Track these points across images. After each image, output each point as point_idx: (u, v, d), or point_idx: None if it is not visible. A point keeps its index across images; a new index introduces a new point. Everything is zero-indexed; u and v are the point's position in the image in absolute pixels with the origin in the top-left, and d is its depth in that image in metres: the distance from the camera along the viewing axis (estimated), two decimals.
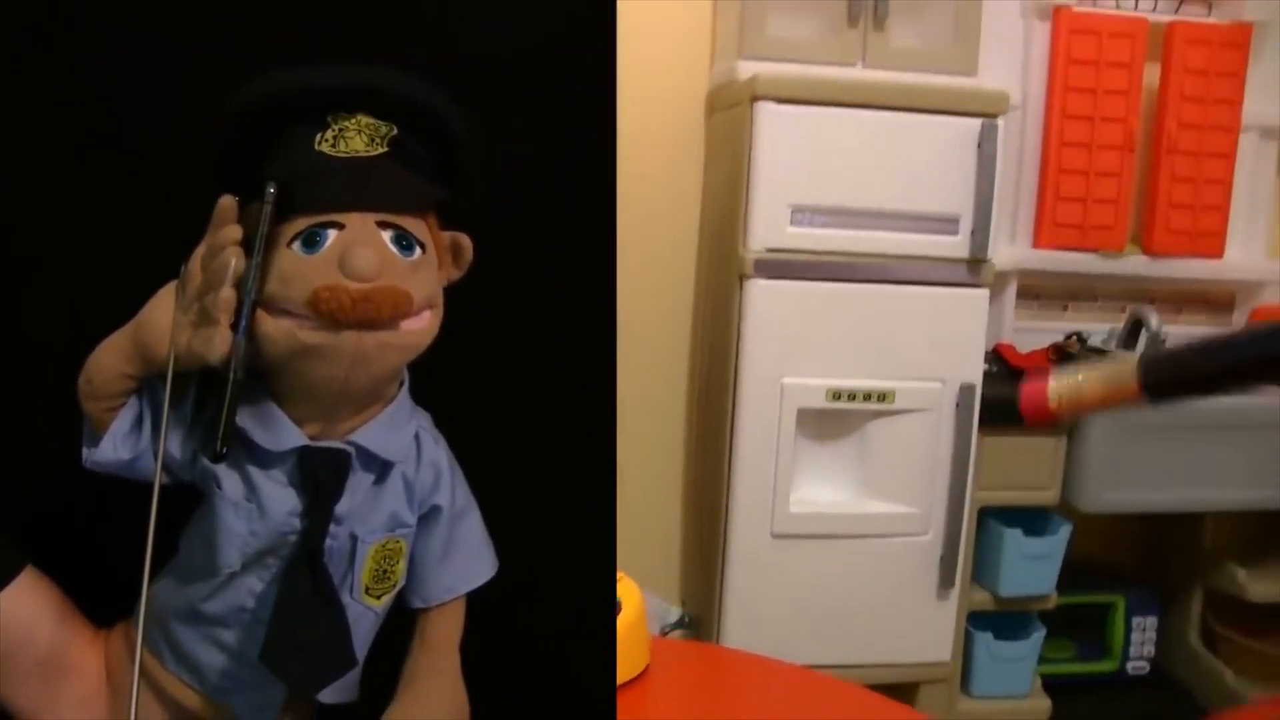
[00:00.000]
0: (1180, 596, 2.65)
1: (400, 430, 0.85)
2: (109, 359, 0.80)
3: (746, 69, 2.14)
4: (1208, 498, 2.33)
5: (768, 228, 2.08)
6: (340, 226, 0.76)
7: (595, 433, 0.93)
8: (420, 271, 0.79)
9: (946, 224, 2.11)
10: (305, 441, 0.80)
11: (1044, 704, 2.43)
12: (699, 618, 2.42)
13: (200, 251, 0.78)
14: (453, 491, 0.88)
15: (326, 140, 0.79)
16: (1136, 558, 2.82)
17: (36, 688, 0.83)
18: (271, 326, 0.75)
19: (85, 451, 0.82)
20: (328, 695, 0.85)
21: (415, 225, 0.80)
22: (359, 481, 0.83)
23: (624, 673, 1.10)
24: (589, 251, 0.89)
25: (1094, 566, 2.68)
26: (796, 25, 2.25)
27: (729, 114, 2.25)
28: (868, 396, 2.14)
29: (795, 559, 2.18)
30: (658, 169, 2.50)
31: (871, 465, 2.20)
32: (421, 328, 0.79)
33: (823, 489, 2.22)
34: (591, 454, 0.93)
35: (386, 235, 0.78)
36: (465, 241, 0.86)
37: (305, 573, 0.81)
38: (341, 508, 0.82)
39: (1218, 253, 2.66)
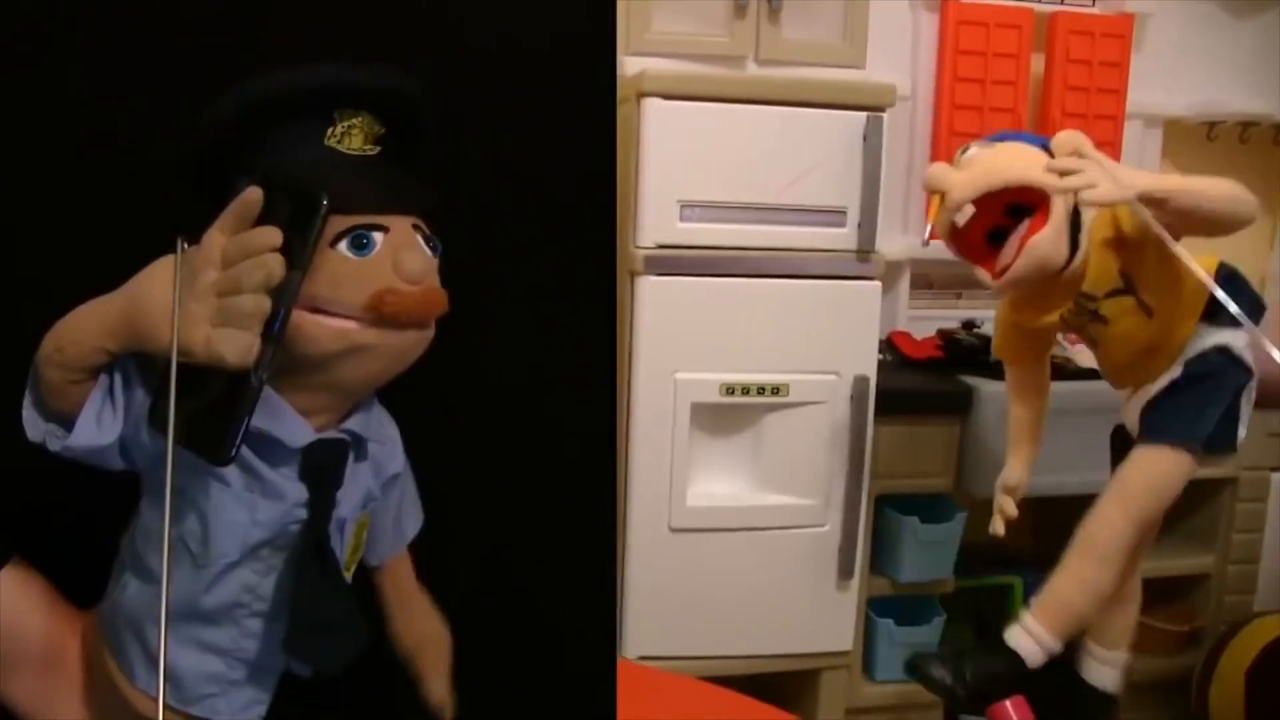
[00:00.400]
0: None
1: (372, 410, 0.88)
2: (88, 329, 0.75)
3: (633, 65, 2.13)
4: (1095, 480, 2.38)
5: (657, 224, 2.07)
6: (384, 229, 0.77)
7: (594, 431, 0.95)
8: (437, 272, 0.82)
9: (835, 216, 2.13)
10: (316, 435, 0.81)
11: None
12: None
13: (217, 240, 0.73)
14: (402, 457, 0.92)
15: (334, 136, 0.80)
16: (1031, 540, 2.86)
17: (34, 680, 0.82)
18: (318, 328, 0.75)
19: (37, 427, 0.78)
20: (311, 671, 0.87)
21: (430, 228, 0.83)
22: (350, 466, 0.85)
23: None
24: (587, 249, 0.92)
25: (990, 550, 2.72)
26: (684, 20, 2.25)
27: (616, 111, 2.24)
28: (761, 390, 2.14)
29: (694, 552, 2.19)
30: None
31: (768, 458, 2.21)
32: (431, 328, 0.82)
33: (720, 482, 2.22)
34: (591, 453, 0.96)
35: (419, 237, 0.80)
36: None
37: (314, 559, 0.82)
38: (341, 494, 0.85)
39: None
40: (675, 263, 2.09)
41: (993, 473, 2.27)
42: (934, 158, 2.57)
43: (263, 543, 0.81)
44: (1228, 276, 1.68)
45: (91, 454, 0.77)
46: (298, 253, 0.72)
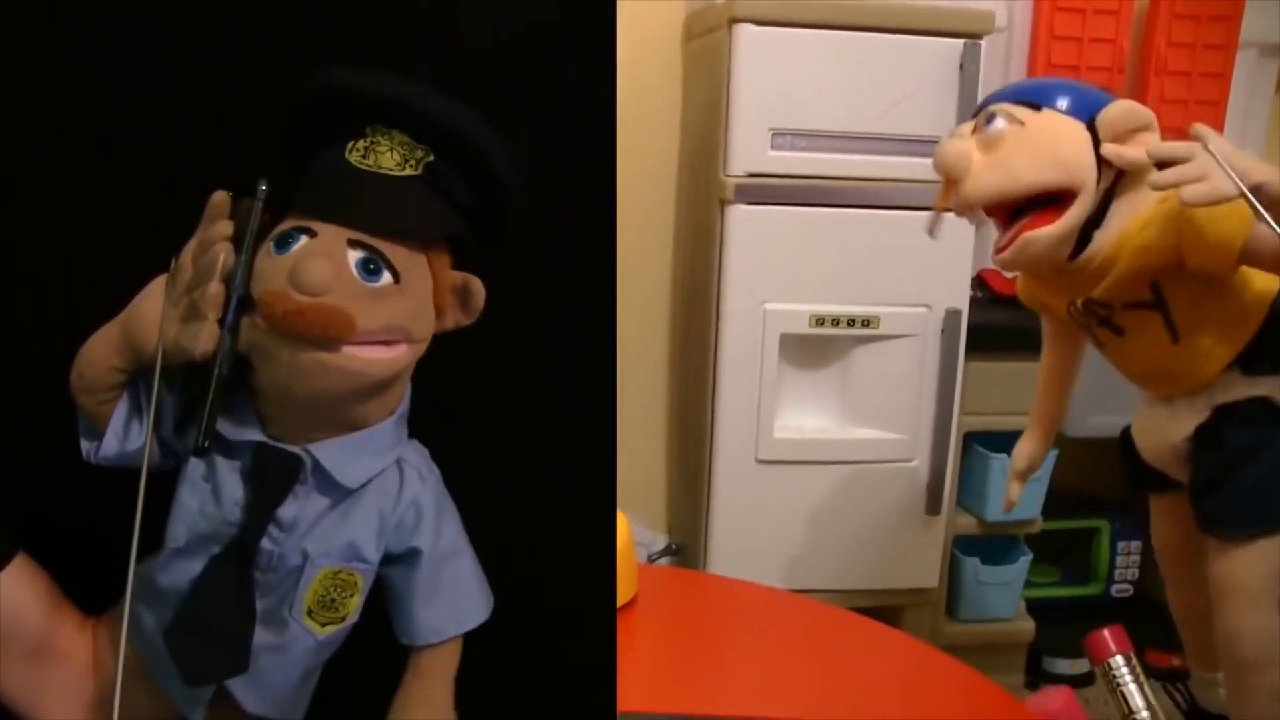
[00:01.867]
0: None
1: (369, 458, 0.81)
2: (99, 352, 0.79)
3: None
4: None
5: (748, 152, 2.06)
6: (313, 234, 0.75)
7: (594, 429, 0.91)
8: (385, 300, 0.75)
9: (929, 146, 2.07)
10: (262, 438, 0.79)
11: (1029, 626, 2.45)
12: (685, 545, 2.44)
13: (191, 245, 0.77)
14: (436, 534, 0.85)
15: (356, 150, 0.78)
16: (1121, 484, 2.82)
17: (26, 674, 0.83)
18: (244, 322, 0.74)
19: (85, 446, 0.81)
20: (259, 705, 0.85)
21: (398, 253, 0.76)
22: (312, 497, 0.80)
23: None
24: (588, 247, 0.87)
25: (1079, 493, 2.69)
26: None
27: (707, 39, 2.22)
28: (851, 322, 2.13)
29: (780, 485, 2.19)
30: (635, 98, 2.47)
31: (856, 391, 2.20)
32: (378, 357, 0.76)
33: (808, 415, 2.22)
34: (590, 451, 0.92)
35: (355, 255, 0.75)
36: (476, 286, 0.83)
37: (233, 566, 0.79)
38: (287, 514, 0.80)
39: None
40: (766, 191, 2.07)
41: (1085, 411, 2.24)
42: (1032, 63, 2.50)
43: (209, 536, 0.80)
44: None
45: (122, 459, 0.80)
46: (245, 243, 0.75)
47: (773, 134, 2.05)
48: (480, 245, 0.83)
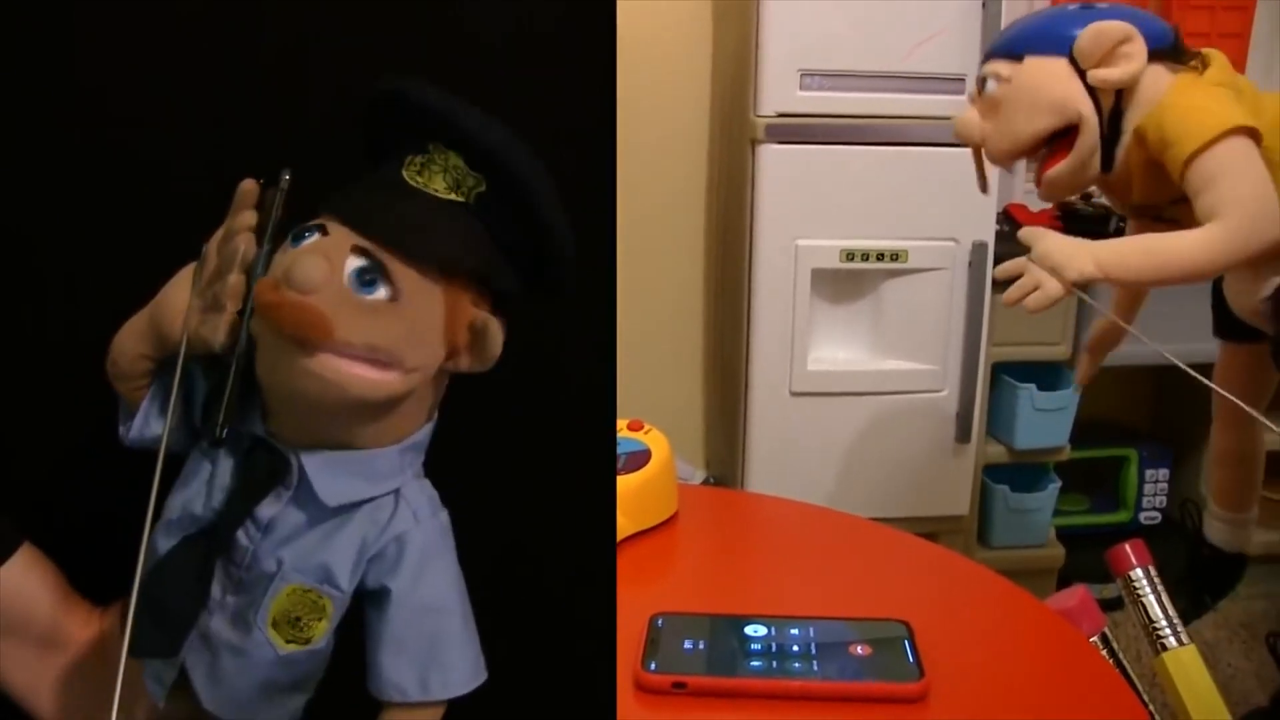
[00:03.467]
0: (1192, 448, 2.71)
1: (359, 482, 0.77)
2: (129, 341, 0.79)
3: None
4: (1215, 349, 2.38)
5: (777, 92, 2.11)
6: (325, 233, 0.72)
7: (594, 426, 0.90)
8: (375, 316, 0.71)
9: (955, 84, 2.13)
10: (260, 432, 0.76)
11: (1059, 553, 2.52)
12: (723, 479, 2.51)
13: (218, 235, 0.76)
14: (415, 579, 0.78)
15: (414, 165, 0.75)
16: (1149, 412, 2.87)
17: (31, 663, 0.82)
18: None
19: (121, 430, 0.81)
20: (213, 704, 0.80)
21: (406, 273, 0.71)
22: (293, 504, 0.76)
23: (654, 518, 1.16)
24: (588, 246, 0.81)
25: (1107, 422, 2.74)
26: None
27: None
28: (881, 256, 2.18)
29: (815, 416, 2.26)
30: (666, 42, 2.53)
31: (887, 324, 2.26)
32: (360, 375, 0.71)
33: (840, 348, 2.28)
34: (590, 446, 0.90)
35: (354, 262, 0.70)
36: (492, 328, 0.76)
37: (200, 549, 0.77)
38: (264, 513, 0.76)
39: None
40: (796, 131, 2.13)
41: None
42: None
43: (196, 518, 0.77)
44: None
45: (151, 444, 0.78)
46: (262, 231, 0.74)
47: (801, 74, 2.11)
48: (530, 293, 0.79)
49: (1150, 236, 1.42)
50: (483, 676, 0.79)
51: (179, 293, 0.76)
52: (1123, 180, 1.46)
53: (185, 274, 0.77)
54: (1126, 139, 1.41)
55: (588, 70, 0.84)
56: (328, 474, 0.75)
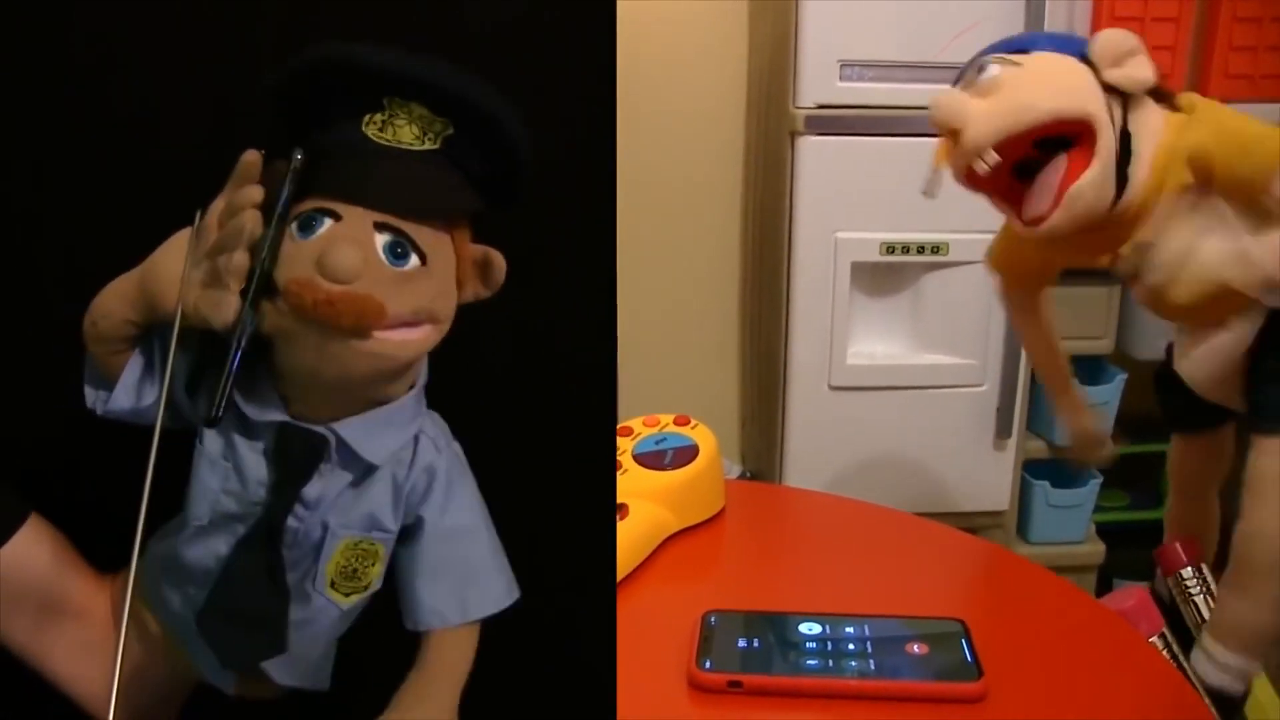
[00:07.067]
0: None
1: (392, 433, 0.79)
2: (114, 304, 0.77)
3: None
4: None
5: (817, 84, 2.09)
6: (337, 217, 0.72)
7: (593, 422, 0.89)
8: (413, 283, 0.73)
9: None
10: (285, 418, 0.77)
11: (1098, 549, 2.50)
12: (759, 473, 2.50)
13: (218, 206, 0.74)
14: (444, 505, 0.81)
15: (374, 123, 0.75)
16: None
17: (41, 631, 0.82)
18: (268, 306, 0.72)
19: (90, 394, 0.80)
20: (289, 677, 0.83)
21: (423, 233, 0.74)
22: (336, 473, 0.78)
23: (702, 513, 1.16)
24: (588, 236, 0.83)
25: (1149, 417, 2.70)
26: None
27: None
28: (921, 249, 2.17)
29: (854, 411, 2.25)
30: (702, 32, 2.52)
31: (927, 317, 2.24)
32: (405, 339, 0.74)
33: (879, 341, 2.27)
34: (589, 442, 0.90)
35: (382, 238, 0.72)
36: (497, 259, 0.80)
37: (261, 547, 0.78)
38: (312, 492, 0.77)
39: None
40: (835, 122, 2.11)
41: (1153, 335, 2.25)
42: (1095, 21, 2.49)
43: (233, 516, 0.78)
44: None
45: (135, 415, 0.78)
46: (271, 210, 0.72)
47: (841, 65, 2.09)
48: (493, 212, 0.81)
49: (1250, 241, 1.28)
50: (516, 594, 0.82)
51: (172, 260, 0.75)
52: (1128, 213, 1.32)
53: (178, 241, 0.75)
54: (1143, 158, 1.28)
55: (588, 54, 0.83)
56: (366, 435, 0.78)
